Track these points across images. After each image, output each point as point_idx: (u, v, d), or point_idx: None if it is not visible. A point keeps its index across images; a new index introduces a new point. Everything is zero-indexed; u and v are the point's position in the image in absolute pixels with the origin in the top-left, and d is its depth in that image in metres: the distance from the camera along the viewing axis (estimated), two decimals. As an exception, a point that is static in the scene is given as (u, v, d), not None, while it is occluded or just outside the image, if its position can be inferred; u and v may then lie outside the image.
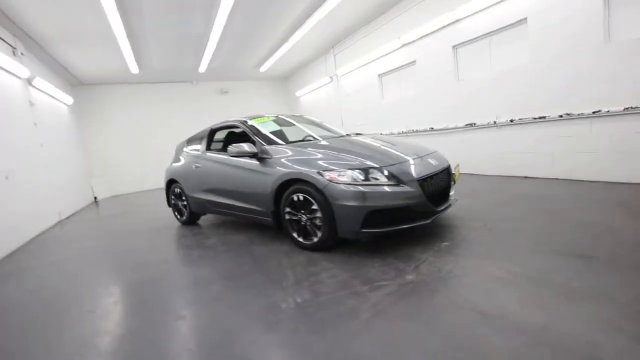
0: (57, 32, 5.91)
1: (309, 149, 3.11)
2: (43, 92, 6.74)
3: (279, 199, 3.12)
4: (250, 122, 3.75)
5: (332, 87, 9.75)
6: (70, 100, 8.37)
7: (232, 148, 3.32)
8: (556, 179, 4.55)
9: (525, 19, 4.55)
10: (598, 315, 1.55)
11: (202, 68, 9.39)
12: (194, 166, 4.25)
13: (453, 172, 3.27)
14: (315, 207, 2.76)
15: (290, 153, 3.12)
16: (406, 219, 2.64)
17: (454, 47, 5.71)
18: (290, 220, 3.04)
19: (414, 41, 6.42)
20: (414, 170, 2.74)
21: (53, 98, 7.38)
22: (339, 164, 2.74)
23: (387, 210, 2.56)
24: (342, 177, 2.62)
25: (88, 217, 6.79)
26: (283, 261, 2.80)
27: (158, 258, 3.34)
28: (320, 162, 2.82)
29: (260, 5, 5.98)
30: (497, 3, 4.81)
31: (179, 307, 2.23)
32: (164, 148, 10.96)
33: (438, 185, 2.88)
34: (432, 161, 3.02)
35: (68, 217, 6.82)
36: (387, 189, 2.57)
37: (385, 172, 2.64)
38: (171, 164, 4.91)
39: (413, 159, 2.89)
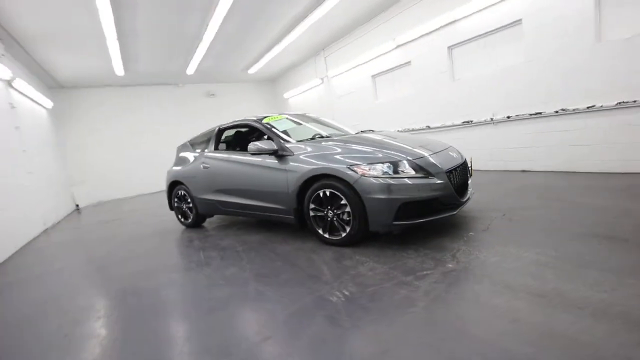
0: (42, 31, 5.59)
1: (330, 145, 3.10)
2: (24, 94, 6.33)
3: (301, 196, 3.09)
4: (265, 120, 3.69)
5: (323, 89, 9.79)
6: (49, 103, 7.92)
7: (252, 146, 3.26)
8: (553, 171, 4.78)
9: (520, 20, 4.78)
10: (649, 289, 1.64)
11: (191, 70, 9.18)
12: (202, 167, 4.13)
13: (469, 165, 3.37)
14: (343, 202, 2.75)
15: (310, 149, 3.10)
16: (435, 211, 2.68)
17: (449, 47, 5.89)
18: (314, 216, 3.01)
19: (408, 42, 6.58)
20: (440, 163, 2.79)
21: (33, 101, 6.95)
22: (366, 158, 2.74)
23: (418, 202, 2.59)
24: (372, 171, 2.63)
25: (75, 225, 6.42)
26: (313, 257, 2.76)
27: (173, 262, 3.21)
28: (345, 158, 2.81)
29: (256, 6, 5.94)
30: (493, 5, 5.03)
31: (223, 305, 2.14)
32: (150, 152, 10.64)
33: (460, 177, 2.95)
34: (453, 154, 3.10)
35: (53, 226, 6.42)
36: (417, 181, 2.60)
37: (414, 165, 2.67)
38: (173, 166, 4.74)
39: (436, 152, 2.95)
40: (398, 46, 6.83)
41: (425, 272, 2.19)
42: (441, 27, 5.87)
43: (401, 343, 1.51)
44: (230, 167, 3.78)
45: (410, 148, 2.91)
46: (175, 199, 4.66)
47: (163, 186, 10.71)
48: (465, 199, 2.92)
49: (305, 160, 3.03)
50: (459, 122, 5.92)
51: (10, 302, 2.74)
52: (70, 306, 2.49)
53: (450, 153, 3.08)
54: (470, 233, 2.81)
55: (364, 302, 1.92)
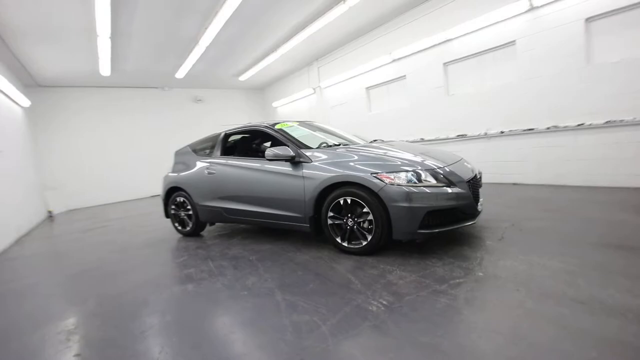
0: (27, 24, 5.26)
1: (347, 152, 3.10)
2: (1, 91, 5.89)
3: (318, 204, 3.05)
4: (278, 127, 3.64)
5: (315, 99, 9.85)
6: (27, 102, 7.40)
7: (269, 152, 3.19)
8: (543, 184, 5.04)
9: (514, 41, 5.08)
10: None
11: (181, 74, 8.96)
12: (206, 172, 3.98)
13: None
14: (366, 210, 2.74)
15: (327, 157, 3.08)
16: (457, 220, 2.73)
17: (444, 64, 6.14)
18: (332, 225, 2.98)
19: (404, 57, 6.79)
20: (460, 173, 2.86)
21: (10, 99, 6.47)
22: (388, 166, 2.75)
23: (442, 210, 2.63)
24: (397, 180, 2.65)
25: (53, 233, 5.96)
26: (335, 266, 2.71)
27: (179, 273, 3.03)
28: (365, 166, 2.81)
29: (258, 13, 5.94)
30: (488, 26, 5.32)
31: (257, 316, 2.03)
32: (133, 157, 10.19)
33: (475, 188, 3.03)
34: (468, 165, 3.19)
35: (29, 233, 5.92)
36: (441, 190, 2.64)
37: (436, 174, 2.72)
38: (171, 172, 4.54)
39: (454, 162, 3.02)
40: (394, 60, 7.04)
41: (457, 281, 2.21)
42: (437, 44, 6.13)
43: (462, 352, 1.50)
44: (239, 173, 3.67)
45: (430, 157, 2.97)
46: (173, 206, 4.45)
47: (148, 192, 10.52)
48: (479, 209, 3.00)
49: (323, 168, 3.00)
50: (453, 135, 6.14)
51: None
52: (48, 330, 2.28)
53: (465, 164, 3.17)
54: (488, 242, 2.87)
55: (406, 311, 1.89)
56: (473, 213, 2.83)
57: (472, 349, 1.51)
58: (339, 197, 2.88)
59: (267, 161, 3.44)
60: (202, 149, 4.33)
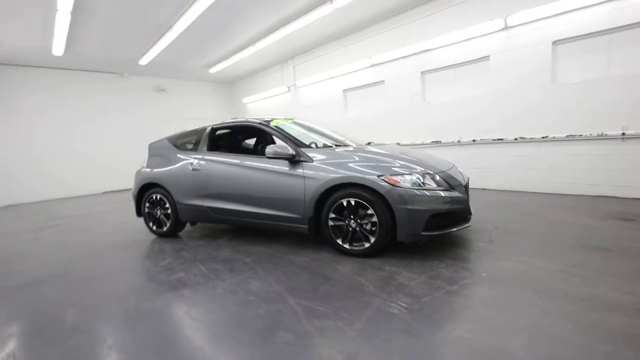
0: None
1: (348, 153, 3.08)
2: None
3: (318, 205, 2.99)
4: (273, 123, 3.50)
5: (289, 97, 9.71)
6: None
7: (269, 149, 3.05)
8: (508, 190, 5.47)
9: (488, 56, 5.46)
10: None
11: (145, 60, 8.29)
12: (190, 169, 3.71)
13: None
14: (370, 212, 2.74)
15: (329, 157, 3.04)
16: (455, 222, 2.85)
17: (422, 72, 6.41)
18: (333, 226, 2.94)
19: (384, 63, 6.96)
20: (458, 178, 2.98)
21: None
22: (390, 168, 2.78)
23: (444, 213, 2.73)
24: (404, 183, 2.69)
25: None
26: (339, 269, 2.68)
27: (167, 277, 2.78)
28: (369, 168, 2.81)
29: (242, 4, 5.69)
30: (465, 40, 5.65)
31: (276, 325, 1.91)
32: (87, 148, 9.22)
33: (467, 192, 3.19)
34: (460, 170, 3.34)
35: (-43, 233, 5.05)
36: (445, 193, 2.73)
37: (438, 178, 2.81)
38: (146, 166, 4.17)
39: (450, 168, 3.14)
40: (373, 65, 7.18)
41: (465, 281, 2.29)
42: (416, 53, 6.37)
43: (497, 351, 1.55)
44: (230, 170, 3.47)
45: (429, 162, 3.06)
46: (147, 204, 4.08)
47: (102, 188, 9.54)
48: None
49: (325, 169, 2.95)
50: (428, 141, 6.42)
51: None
52: None
53: (458, 170, 3.32)
54: (480, 244, 3.03)
55: (429, 313, 1.92)
56: (468, 216, 2.98)
57: (504, 347, 1.57)
58: (342, 199, 2.85)
59: (262, 159, 3.31)
60: (185, 143, 4.03)
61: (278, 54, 8.88)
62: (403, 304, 2.03)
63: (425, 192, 2.67)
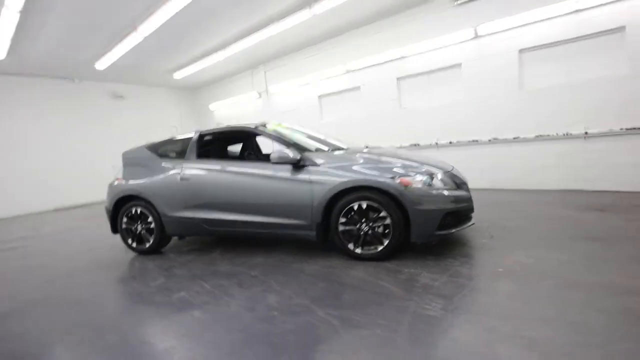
0: None
1: (353, 157, 3.03)
2: None
3: (326, 211, 2.89)
4: (271, 128, 3.34)
5: (261, 103, 9.50)
6: None
7: (274, 154, 2.90)
8: (483, 188, 5.77)
9: (460, 64, 5.77)
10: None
11: (103, 65, 7.62)
12: (178, 178, 3.41)
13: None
14: (383, 214, 2.70)
15: (331, 161, 2.96)
16: (462, 220, 2.90)
17: (398, 78, 6.61)
18: (343, 231, 2.85)
19: (359, 69, 7.08)
20: (460, 176, 3.06)
21: None
22: (402, 169, 2.76)
23: (455, 212, 2.76)
24: (415, 183, 2.68)
25: None
26: (355, 274, 2.58)
27: (167, 298, 2.50)
28: (376, 170, 2.77)
29: (215, 7, 5.47)
30: (438, 48, 5.93)
31: (314, 341, 1.76)
32: (33, 161, 8.21)
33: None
34: (459, 170, 3.43)
35: None
36: (453, 192, 2.78)
37: (445, 178, 2.85)
38: (122, 178, 3.78)
39: (452, 168, 3.21)
40: (348, 72, 7.27)
41: (486, 278, 2.32)
42: (391, 60, 6.56)
43: (548, 343, 1.55)
44: (225, 179, 3.24)
45: (433, 162, 3.10)
46: (125, 219, 3.68)
47: (52, 204, 8.49)
48: (471, 210, 3.25)
49: (333, 172, 2.86)
50: (407, 144, 6.60)
51: None
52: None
53: (457, 170, 3.40)
54: (482, 240, 3.12)
55: (467, 312, 1.90)
56: (470, 215, 3.05)
57: (546, 339, 1.58)
58: (353, 202, 2.77)
59: (261, 164, 3.15)
60: (169, 150, 3.71)
61: (249, 59, 8.66)
62: (438, 306, 1.99)
63: (437, 191, 2.69)
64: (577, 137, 4.82)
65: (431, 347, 1.62)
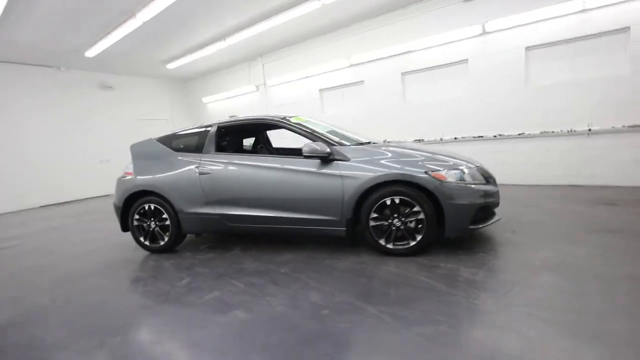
0: None
1: (380, 150, 2.98)
2: None
3: (357, 206, 2.85)
4: (294, 120, 3.25)
5: (258, 96, 9.29)
6: None
7: (306, 148, 2.82)
8: (488, 184, 5.89)
9: (467, 59, 5.82)
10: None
11: (93, 52, 7.23)
12: (197, 173, 3.27)
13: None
14: (416, 208, 2.68)
15: (361, 155, 2.91)
16: (489, 216, 2.92)
17: (403, 73, 6.60)
18: (374, 226, 2.82)
19: (363, 63, 7.02)
20: (489, 172, 3.07)
21: None
22: (435, 164, 2.73)
23: (486, 206, 2.78)
24: (449, 177, 2.67)
25: None
26: (392, 270, 2.55)
27: (205, 299, 2.40)
28: (407, 164, 2.74)
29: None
30: (445, 44, 5.95)
31: (375, 341, 1.72)
32: (17, 155, 7.73)
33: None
34: (480, 165, 3.45)
35: None
36: (485, 187, 2.79)
37: (477, 172, 2.86)
38: (133, 172, 3.58)
39: (479, 163, 3.22)
40: (352, 65, 7.20)
41: (525, 272, 2.34)
42: (397, 54, 6.54)
43: (617, 334, 1.58)
44: (250, 173, 3.13)
45: (460, 157, 3.10)
46: (137, 216, 3.50)
47: (39, 201, 8.03)
48: (493, 205, 3.29)
49: (364, 167, 2.81)
50: (411, 139, 6.62)
51: None
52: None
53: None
54: (506, 235, 3.16)
55: (523, 306, 1.90)
56: (495, 209, 3.08)
57: (613, 332, 1.61)
58: (385, 197, 2.74)
59: (287, 159, 3.07)
60: (184, 144, 3.55)
61: (246, 51, 8.44)
62: (489, 300, 2.00)
63: (470, 186, 2.69)
64: (580, 133, 4.97)
65: (502, 342, 1.60)
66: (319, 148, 2.84)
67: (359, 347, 1.68)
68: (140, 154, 3.69)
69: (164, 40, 7.14)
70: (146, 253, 3.57)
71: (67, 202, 8.57)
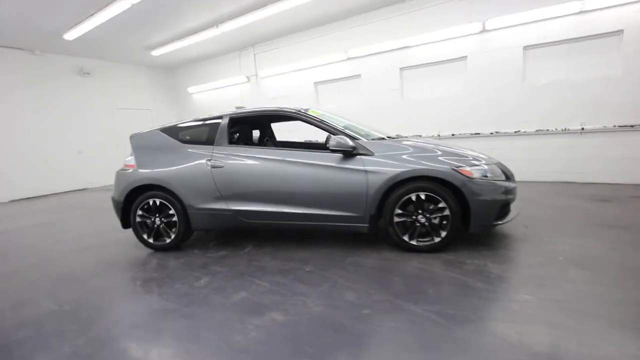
0: None
1: (400, 145, 2.94)
2: None
3: (381, 202, 2.80)
4: (311, 112, 3.13)
5: (249, 88, 9.01)
6: None
7: (333, 141, 2.73)
8: (483, 180, 6.03)
9: (466, 56, 5.89)
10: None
11: (73, 35, 6.69)
12: (208, 166, 3.09)
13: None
14: (441, 204, 2.67)
15: (383, 150, 2.86)
16: (507, 212, 2.95)
17: (401, 68, 6.59)
18: (398, 222, 2.78)
19: (361, 57, 6.95)
20: (507, 168, 3.11)
21: None
22: (460, 159, 2.73)
23: (507, 203, 2.81)
24: (475, 173, 2.67)
25: None
26: (417, 266, 2.54)
27: (233, 300, 2.27)
28: (428, 160, 2.71)
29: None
30: (445, 40, 5.98)
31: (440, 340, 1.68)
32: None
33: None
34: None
35: None
36: (507, 183, 2.82)
37: (498, 169, 2.88)
38: (136, 165, 3.34)
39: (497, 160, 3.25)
40: (349, 59, 7.11)
41: (552, 267, 2.38)
42: (395, 49, 6.51)
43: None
44: (267, 167, 3.00)
45: (479, 153, 3.11)
46: (140, 212, 3.28)
47: (7, 195, 7.38)
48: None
49: (387, 162, 2.76)
50: (408, 135, 6.65)
51: None
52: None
53: None
54: (520, 230, 3.23)
55: (565, 301, 1.92)
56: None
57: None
58: (410, 193, 2.70)
59: (308, 152, 2.98)
60: (192, 135, 3.35)
61: (237, 40, 8.13)
62: (528, 297, 2.00)
63: (494, 182, 2.71)
64: (574, 132, 5.17)
65: (559, 339, 1.61)
66: (344, 142, 2.75)
67: (421, 348, 1.63)
68: (142, 145, 3.44)
69: (152, 24, 6.72)
70: (149, 251, 3.36)
71: (39, 196, 7.97)
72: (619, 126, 4.85)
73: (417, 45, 6.29)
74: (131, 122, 9.83)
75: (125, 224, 3.40)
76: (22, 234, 4.51)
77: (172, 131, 3.41)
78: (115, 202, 3.40)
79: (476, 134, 5.98)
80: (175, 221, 3.22)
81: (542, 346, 1.56)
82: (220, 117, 3.30)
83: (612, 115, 4.90)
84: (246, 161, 3.06)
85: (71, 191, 8.55)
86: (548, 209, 3.93)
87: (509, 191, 2.81)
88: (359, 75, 7.12)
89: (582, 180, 5.20)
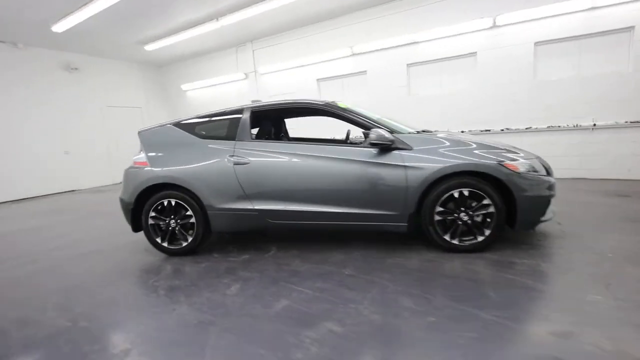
0: None
1: (436, 139, 2.79)
2: None
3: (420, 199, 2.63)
4: (341, 105, 2.94)
5: (247, 85, 8.73)
6: None
7: (373, 134, 2.54)
8: (492, 177, 5.99)
9: (476, 52, 5.82)
10: None
11: (62, 27, 6.27)
12: (231, 163, 2.85)
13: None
14: (486, 201, 2.53)
15: (423, 144, 2.70)
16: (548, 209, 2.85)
17: (408, 65, 6.48)
18: (439, 221, 2.62)
19: (367, 53, 6.80)
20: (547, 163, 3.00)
21: None
22: (504, 154, 2.59)
23: (549, 199, 2.69)
24: (521, 168, 2.54)
25: None
26: (470, 267, 2.38)
27: (273, 309, 2.05)
28: (468, 154, 2.56)
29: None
30: (454, 36, 5.90)
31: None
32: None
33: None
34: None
35: None
36: (551, 179, 2.70)
37: (539, 164, 2.76)
38: (149, 162, 3.06)
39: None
40: (354, 54, 6.95)
41: (608, 264, 2.28)
42: (402, 45, 6.40)
43: None
44: (297, 163, 2.78)
45: (513, 147, 2.99)
46: (153, 214, 3.00)
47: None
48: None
49: (429, 157, 2.59)
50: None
51: None
52: None
53: None
54: (556, 227, 3.13)
55: (625, 298, 1.81)
56: (548, 202, 3.02)
57: None
58: (452, 189, 2.55)
59: (340, 147, 2.79)
60: (210, 130, 3.10)
61: (234, 35, 7.85)
62: (597, 297, 1.88)
63: (540, 177, 2.59)
64: (585, 128, 5.17)
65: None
66: (384, 135, 2.57)
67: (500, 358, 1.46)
68: (156, 141, 3.17)
69: (147, 16, 6.37)
70: (159, 256, 3.09)
71: (24, 199, 7.46)
72: (631, 122, 4.87)
73: (426, 41, 6.19)
74: (121, 121, 9.39)
75: (136, 227, 3.12)
76: (13, 238, 4.12)
77: (188, 126, 3.15)
78: (125, 204, 3.11)
79: (486, 130, 5.92)
80: (192, 223, 2.96)
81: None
82: (239, 111, 3.07)
83: (623, 112, 4.92)
84: (274, 157, 2.83)
85: (59, 193, 8.05)
86: (571, 205, 3.86)
87: (551, 187, 2.69)
88: (365, 71, 6.97)
89: (594, 177, 5.20)
